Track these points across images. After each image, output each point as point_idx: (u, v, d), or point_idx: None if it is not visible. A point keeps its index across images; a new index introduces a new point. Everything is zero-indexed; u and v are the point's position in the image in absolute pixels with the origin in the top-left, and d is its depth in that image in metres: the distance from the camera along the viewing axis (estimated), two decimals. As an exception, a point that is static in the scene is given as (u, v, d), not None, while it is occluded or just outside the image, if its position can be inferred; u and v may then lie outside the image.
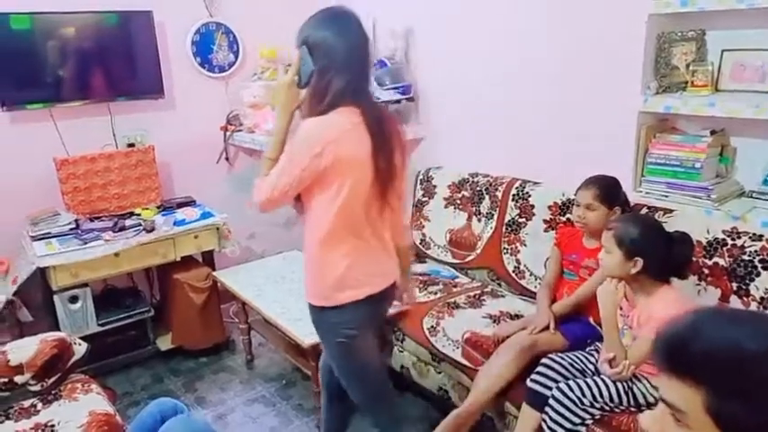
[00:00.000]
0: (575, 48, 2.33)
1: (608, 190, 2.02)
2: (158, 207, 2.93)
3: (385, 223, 1.64)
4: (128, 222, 2.70)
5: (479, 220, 2.68)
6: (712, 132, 2.02)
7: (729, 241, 1.86)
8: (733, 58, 2.03)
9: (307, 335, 2.10)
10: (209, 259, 2.96)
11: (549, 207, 2.39)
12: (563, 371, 1.81)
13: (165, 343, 2.92)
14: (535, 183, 2.51)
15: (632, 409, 1.70)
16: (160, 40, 2.92)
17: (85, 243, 2.52)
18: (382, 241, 1.65)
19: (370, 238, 1.60)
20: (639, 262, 1.68)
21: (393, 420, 1.85)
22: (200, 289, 2.83)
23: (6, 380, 1.83)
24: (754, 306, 1.79)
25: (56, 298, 2.54)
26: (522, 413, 1.83)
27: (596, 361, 1.82)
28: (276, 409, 2.53)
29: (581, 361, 1.86)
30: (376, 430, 1.88)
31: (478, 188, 2.69)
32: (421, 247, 2.91)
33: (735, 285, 1.83)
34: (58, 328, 2.48)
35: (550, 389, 1.75)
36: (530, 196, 2.47)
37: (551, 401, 1.72)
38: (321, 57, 1.49)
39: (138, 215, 2.82)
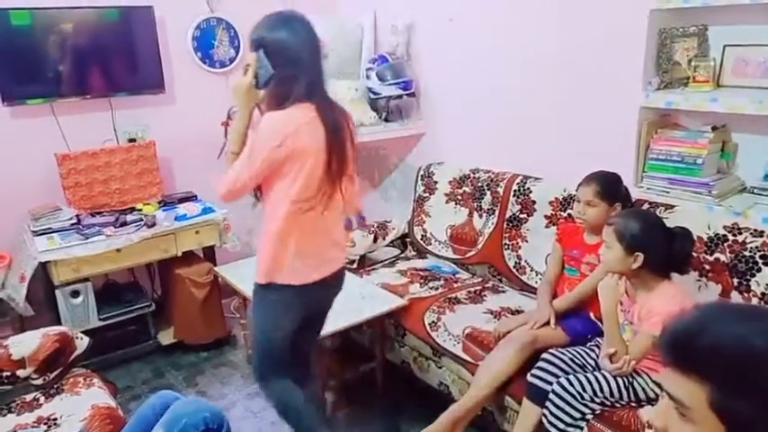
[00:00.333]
0: (576, 43, 2.32)
1: (609, 186, 2.02)
2: (159, 202, 2.93)
3: (334, 212, 1.73)
4: (129, 217, 2.70)
5: (480, 216, 2.69)
6: (714, 128, 2.01)
7: (730, 237, 1.86)
8: (735, 53, 2.02)
9: (308, 330, 2.10)
10: (210, 254, 2.97)
11: (551, 203, 2.39)
12: (564, 366, 1.81)
13: (166, 338, 2.92)
14: (536, 178, 2.51)
15: (633, 404, 1.71)
16: (161, 35, 2.92)
17: (87, 238, 2.52)
18: (331, 229, 1.76)
19: (319, 224, 1.70)
20: (640, 257, 1.68)
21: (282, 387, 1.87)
22: (201, 284, 2.83)
23: (9, 373, 1.84)
24: (754, 302, 1.79)
25: (57, 292, 2.54)
26: (522, 408, 1.84)
27: (597, 356, 1.83)
28: (277, 404, 2.54)
29: (581, 356, 1.86)
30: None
31: (479, 184, 2.69)
32: (422, 242, 2.91)
33: (736, 281, 1.83)
34: (59, 323, 2.49)
35: (551, 384, 1.75)
36: (531, 192, 2.47)
37: (552, 396, 1.72)
38: (279, 60, 1.59)
39: (140, 210, 2.82)
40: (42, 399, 1.84)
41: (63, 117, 2.79)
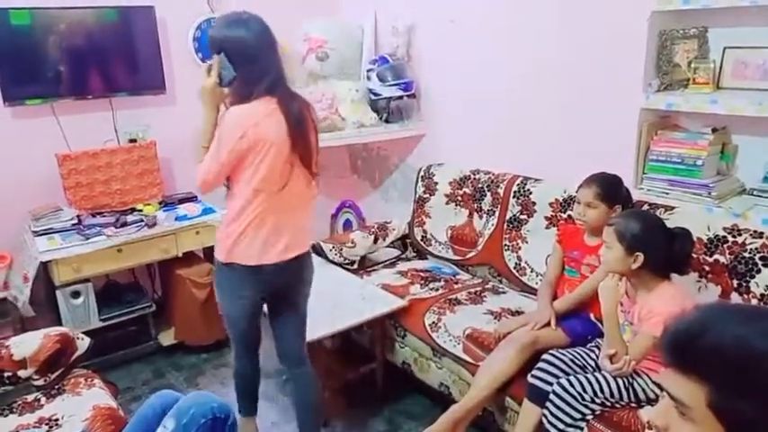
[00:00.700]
0: (576, 45, 2.33)
1: (609, 188, 2.02)
2: (160, 203, 2.93)
3: (298, 198, 1.80)
4: (129, 218, 2.70)
5: (481, 217, 2.69)
6: (714, 130, 2.02)
7: (730, 238, 1.86)
8: (735, 55, 2.03)
9: (308, 330, 2.10)
10: (210, 255, 2.95)
11: (551, 204, 2.40)
12: (564, 367, 1.82)
13: (166, 338, 2.92)
14: (536, 180, 2.51)
15: (633, 404, 1.71)
16: (162, 35, 2.92)
17: (87, 238, 2.52)
18: (294, 215, 1.82)
19: (280, 209, 1.77)
20: (640, 257, 1.69)
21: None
22: (201, 284, 2.83)
23: (10, 374, 1.84)
24: (754, 303, 1.80)
25: (58, 293, 2.55)
26: (522, 408, 1.85)
27: (597, 357, 1.83)
28: (277, 405, 2.54)
29: (582, 357, 1.87)
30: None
31: (480, 185, 2.70)
32: (422, 243, 2.92)
33: (735, 282, 1.84)
34: (60, 323, 2.49)
35: (551, 384, 1.76)
36: (531, 193, 2.47)
37: (552, 397, 1.73)
38: (240, 61, 1.69)
39: (140, 211, 2.82)
40: (44, 399, 1.84)
41: (64, 117, 2.79)
